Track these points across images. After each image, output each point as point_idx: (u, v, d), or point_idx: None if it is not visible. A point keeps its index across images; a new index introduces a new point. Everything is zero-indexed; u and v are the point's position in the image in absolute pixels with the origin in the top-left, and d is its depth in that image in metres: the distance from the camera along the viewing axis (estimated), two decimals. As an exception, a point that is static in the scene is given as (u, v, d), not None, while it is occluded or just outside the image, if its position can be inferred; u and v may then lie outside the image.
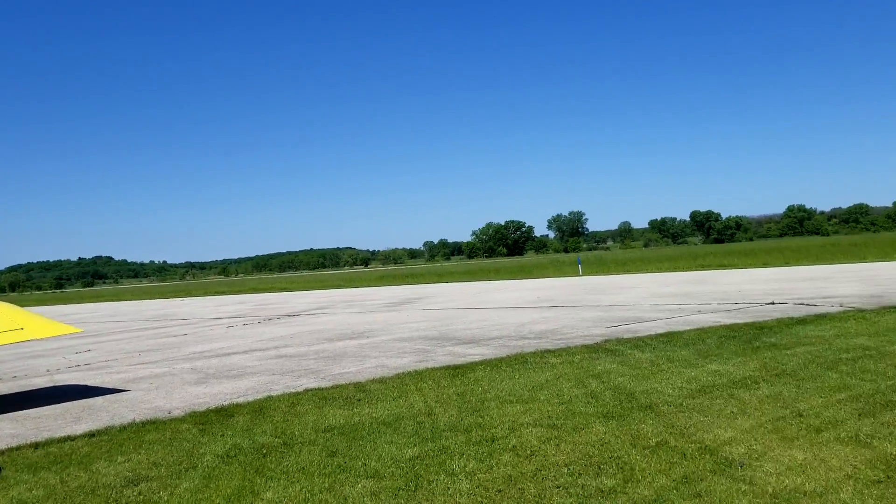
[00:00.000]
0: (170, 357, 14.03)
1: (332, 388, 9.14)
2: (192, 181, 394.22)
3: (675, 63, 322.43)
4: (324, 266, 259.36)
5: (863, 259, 35.29)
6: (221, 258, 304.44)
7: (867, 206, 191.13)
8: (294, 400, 8.53)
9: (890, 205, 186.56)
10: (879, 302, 14.62)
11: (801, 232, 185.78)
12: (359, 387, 9.05)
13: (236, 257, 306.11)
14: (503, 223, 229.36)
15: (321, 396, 8.61)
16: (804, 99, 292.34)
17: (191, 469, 5.99)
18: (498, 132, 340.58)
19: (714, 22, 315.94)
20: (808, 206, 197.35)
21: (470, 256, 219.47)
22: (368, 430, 6.79)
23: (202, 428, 7.48)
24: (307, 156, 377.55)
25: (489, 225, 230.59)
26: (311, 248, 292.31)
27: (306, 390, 9.12)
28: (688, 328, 12.44)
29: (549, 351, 10.88)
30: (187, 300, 48.04)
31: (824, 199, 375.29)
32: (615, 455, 5.51)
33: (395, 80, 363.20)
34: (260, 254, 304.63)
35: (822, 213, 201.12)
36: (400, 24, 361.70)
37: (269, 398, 8.79)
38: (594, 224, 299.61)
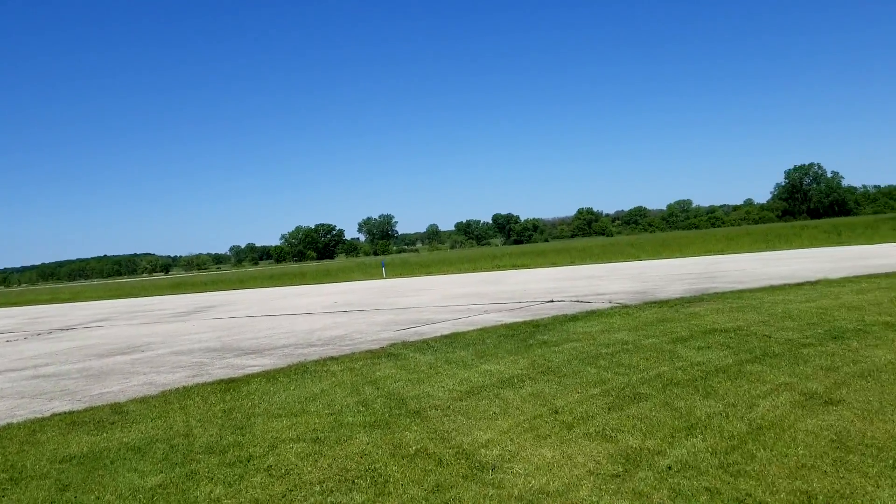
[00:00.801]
0: None
1: (85, 410, 8.26)
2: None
3: (476, 70, 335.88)
4: (119, 274, 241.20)
5: (637, 258, 38.54)
6: (1, 267, 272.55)
7: (645, 208, 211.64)
8: (37, 427, 7.61)
9: (664, 207, 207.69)
10: (643, 298, 15.87)
11: (589, 233, 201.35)
12: (116, 408, 8.25)
13: (19, 266, 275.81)
14: (313, 227, 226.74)
15: (70, 421, 7.74)
16: (592, 108, 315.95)
17: None
18: (309, 135, 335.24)
19: (508, 25, 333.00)
20: (595, 209, 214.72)
21: (278, 261, 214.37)
22: (113, 458, 6.15)
23: (-85, 469, 6.42)
24: (99, 155, 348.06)
25: (299, 228, 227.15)
26: (105, 255, 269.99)
27: (54, 415, 8.16)
28: (471, 328, 12.72)
29: (332, 358, 10.63)
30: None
31: (610, 202, 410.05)
32: (372, 467, 5.36)
33: (197, 80, 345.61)
34: (46, 262, 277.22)
35: (607, 215, 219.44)
36: (187, 20, 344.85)
37: (9, 426, 7.78)
38: (404, 227, 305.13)
